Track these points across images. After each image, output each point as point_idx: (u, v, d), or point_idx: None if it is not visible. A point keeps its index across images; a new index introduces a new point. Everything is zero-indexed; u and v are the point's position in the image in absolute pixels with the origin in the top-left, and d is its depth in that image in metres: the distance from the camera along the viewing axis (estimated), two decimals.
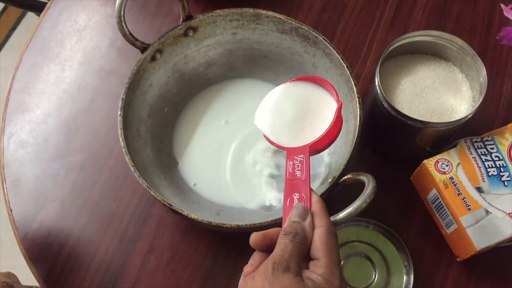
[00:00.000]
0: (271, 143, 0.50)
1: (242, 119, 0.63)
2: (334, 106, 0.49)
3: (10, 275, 0.64)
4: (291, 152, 0.47)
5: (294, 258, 0.40)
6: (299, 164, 0.46)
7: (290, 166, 0.46)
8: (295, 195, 0.44)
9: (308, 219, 0.42)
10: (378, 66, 0.56)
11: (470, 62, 0.58)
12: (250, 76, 0.66)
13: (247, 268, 0.42)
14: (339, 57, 0.57)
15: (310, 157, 0.47)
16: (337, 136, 0.48)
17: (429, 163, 0.57)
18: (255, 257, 0.43)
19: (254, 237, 0.43)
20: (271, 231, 0.43)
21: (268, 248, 0.42)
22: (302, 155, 0.46)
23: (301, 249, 0.41)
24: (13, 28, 1.67)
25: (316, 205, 0.43)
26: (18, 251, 0.61)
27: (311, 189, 0.44)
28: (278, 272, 0.39)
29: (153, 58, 0.59)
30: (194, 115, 0.65)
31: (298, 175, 0.45)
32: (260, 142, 0.62)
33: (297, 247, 0.40)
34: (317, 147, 0.48)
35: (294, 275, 0.39)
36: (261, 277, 0.39)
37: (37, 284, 0.60)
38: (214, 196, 0.61)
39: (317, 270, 0.40)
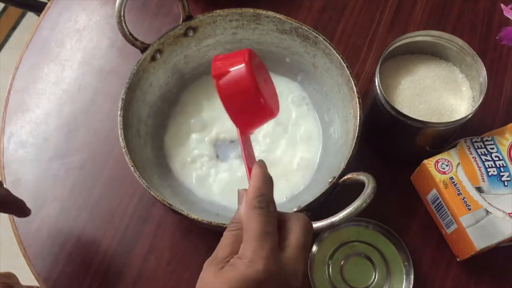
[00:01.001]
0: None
1: None
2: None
3: (10, 275, 0.64)
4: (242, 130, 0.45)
5: (224, 247, 0.39)
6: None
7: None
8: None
9: (242, 204, 0.41)
10: (378, 66, 0.56)
11: (470, 62, 0.58)
12: None
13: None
14: (339, 57, 0.57)
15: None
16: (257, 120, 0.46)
17: (429, 163, 0.57)
18: None
19: None
20: None
21: None
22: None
23: (236, 235, 0.39)
24: (13, 28, 1.67)
25: (250, 187, 0.42)
26: (18, 251, 0.61)
27: (249, 168, 0.42)
28: (206, 266, 0.39)
29: (153, 58, 0.59)
30: (189, 116, 0.65)
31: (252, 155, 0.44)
32: (258, 142, 0.62)
33: (229, 235, 0.40)
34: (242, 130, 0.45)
35: (216, 264, 0.38)
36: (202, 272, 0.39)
37: (37, 284, 0.60)
38: (212, 197, 0.61)
39: (240, 253, 0.38)
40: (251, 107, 0.43)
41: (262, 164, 0.42)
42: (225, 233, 0.40)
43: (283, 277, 0.38)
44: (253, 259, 0.37)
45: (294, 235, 0.40)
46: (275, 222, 0.40)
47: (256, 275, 0.37)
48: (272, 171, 0.61)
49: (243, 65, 0.42)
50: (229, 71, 0.43)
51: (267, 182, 0.41)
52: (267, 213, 0.39)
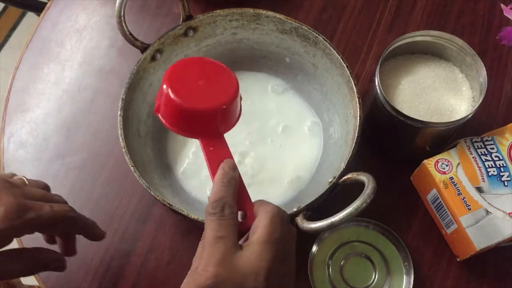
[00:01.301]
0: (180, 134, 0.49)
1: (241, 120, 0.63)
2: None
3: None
4: (205, 142, 0.47)
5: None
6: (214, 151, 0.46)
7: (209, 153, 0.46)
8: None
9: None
10: (378, 66, 0.56)
11: (470, 62, 0.58)
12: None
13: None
14: (339, 57, 0.57)
15: None
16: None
17: (429, 163, 0.57)
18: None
19: None
20: None
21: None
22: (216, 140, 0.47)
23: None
24: (13, 28, 1.67)
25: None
26: None
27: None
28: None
29: (153, 58, 0.59)
30: None
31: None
32: (259, 144, 0.62)
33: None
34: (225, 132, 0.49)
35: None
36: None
37: (37, 283, 0.60)
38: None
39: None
40: (192, 121, 0.46)
41: (225, 165, 0.43)
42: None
43: (238, 278, 0.38)
44: (205, 266, 0.38)
45: (258, 231, 0.40)
46: (232, 224, 0.40)
47: (205, 282, 0.37)
48: (271, 171, 0.61)
49: (163, 88, 0.45)
50: (159, 103, 0.47)
51: (227, 184, 0.41)
52: (220, 217, 0.40)
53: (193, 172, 0.62)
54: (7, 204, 0.41)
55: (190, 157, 0.62)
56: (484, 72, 0.56)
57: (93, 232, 0.51)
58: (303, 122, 0.64)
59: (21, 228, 0.42)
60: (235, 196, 0.41)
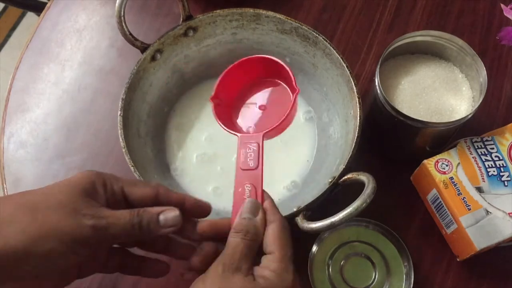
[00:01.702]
0: (223, 128, 0.47)
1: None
2: (289, 92, 0.48)
3: None
4: (244, 139, 0.45)
5: (245, 257, 0.39)
6: (252, 153, 0.44)
7: (243, 154, 0.44)
8: (246, 187, 0.42)
9: (260, 215, 0.41)
10: (378, 66, 0.56)
11: (470, 62, 0.58)
12: None
13: (194, 262, 0.41)
14: (339, 57, 0.57)
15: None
16: (290, 123, 0.47)
17: (429, 163, 0.57)
18: (203, 246, 0.42)
19: (201, 226, 0.42)
20: (219, 221, 0.42)
21: (216, 238, 0.42)
22: (256, 143, 0.44)
23: (253, 247, 0.40)
24: (13, 28, 1.68)
25: (268, 199, 0.43)
26: None
27: (262, 181, 0.43)
28: (229, 274, 0.37)
29: (153, 58, 0.59)
30: (189, 116, 0.65)
31: (250, 165, 0.43)
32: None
33: (249, 246, 0.39)
34: (271, 135, 0.46)
35: (245, 275, 0.38)
36: (211, 280, 0.37)
37: None
38: (212, 197, 0.61)
39: (270, 265, 0.39)
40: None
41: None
42: (241, 241, 0.40)
43: None
44: (284, 274, 0.39)
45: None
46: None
47: None
48: (270, 171, 0.61)
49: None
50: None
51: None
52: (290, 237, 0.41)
53: (193, 172, 0.62)
54: None
55: (190, 157, 0.62)
56: (484, 72, 0.56)
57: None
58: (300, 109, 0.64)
59: None
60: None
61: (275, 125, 0.45)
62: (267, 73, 0.50)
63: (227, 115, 0.49)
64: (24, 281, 0.37)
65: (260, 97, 0.50)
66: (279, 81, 0.50)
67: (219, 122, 0.47)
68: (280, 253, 0.39)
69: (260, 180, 0.43)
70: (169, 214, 0.40)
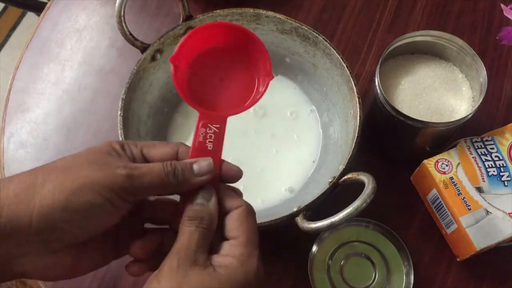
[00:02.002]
0: (185, 100, 0.42)
1: (247, 121, 0.63)
2: (256, 71, 0.43)
3: (34, 283, 0.63)
4: (205, 117, 0.41)
5: (201, 247, 0.36)
6: (213, 134, 0.40)
7: (202, 134, 0.40)
8: None
9: (213, 200, 0.39)
10: (378, 66, 0.56)
11: (470, 62, 0.58)
12: None
13: (133, 249, 0.39)
14: (339, 57, 0.57)
15: None
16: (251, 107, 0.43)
17: (429, 163, 0.57)
18: (145, 234, 0.40)
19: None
20: (164, 199, 0.41)
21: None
22: (218, 125, 0.41)
23: (208, 236, 0.37)
24: (13, 28, 1.68)
25: (228, 188, 0.40)
26: None
27: (221, 164, 0.40)
28: (186, 268, 0.35)
29: (153, 58, 0.59)
30: (189, 116, 0.65)
31: (208, 148, 0.40)
32: (264, 144, 0.62)
33: (204, 234, 0.37)
34: (233, 114, 0.42)
35: (204, 267, 0.36)
36: (167, 278, 0.35)
37: (41, 286, 0.60)
38: None
39: (233, 251, 0.37)
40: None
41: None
42: (195, 230, 0.37)
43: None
44: (248, 260, 0.37)
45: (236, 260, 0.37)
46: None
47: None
48: (270, 171, 0.61)
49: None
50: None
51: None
52: (255, 222, 0.39)
53: None
54: None
55: None
56: (484, 72, 0.56)
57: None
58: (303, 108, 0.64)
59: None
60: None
61: (241, 110, 0.42)
62: (239, 46, 0.44)
63: (186, 83, 0.43)
64: (64, 251, 0.36)
65: (225, 69, 0.44)
66: (249, 57, 0.44)
67: (178, 89, 0.41)
68: (244, 237, 0.37)
69: (217, 166, 0.40)
70: (203, 163, 0.39)
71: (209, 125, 0.41)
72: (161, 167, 0.38)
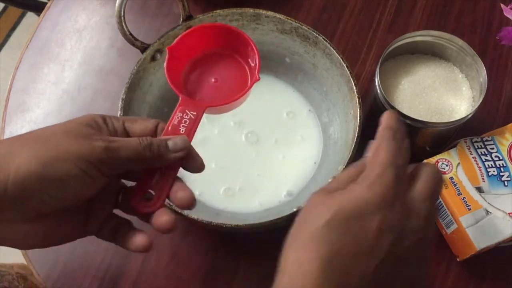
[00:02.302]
0: (170, 85, 0.44)
1: (245, 119, 0.63)
2: (247, 73, 0.46)
3: (24, 266, 0.63)
4: (184, 102, 0.43)
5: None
6: (188, 120, 0.42)
7: (177, 117, 0.42)
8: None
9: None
10: (378, 66, 0.56)
11: (470, 62, 0.58)
12: None
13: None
14: (339, 57, 0.57)
15: None
16: (237, 107, 0.46)
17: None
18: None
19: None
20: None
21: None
22: (195, 113, 0.42)
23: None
24: (13, 28, 1.68)
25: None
26: (18, 251, 0.61)
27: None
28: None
29: (153, 58, 0.59)
30: None
31: (181, 131, 0.42)
32: (261, 142, 0.62)
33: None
34: (214, 112, 0.45)
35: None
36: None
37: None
38: (214, 201, 0.61)
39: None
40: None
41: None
42: (342, 172, 0.38)
43: (403, 213, 0.34)
44: (374, 182, 0.34)
45: (422, 180, 0.36)
46: (405, 161, 0.37)
47: (372, 198, 0.34)
48: (270, 171, 0.61)
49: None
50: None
51: (400, 123, 0.38)
52: (399, 145, 0.37)
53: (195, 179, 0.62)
54: None
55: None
56: (484, 72, 0.56)
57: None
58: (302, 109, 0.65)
59: None
60: None
61: (220, 104, 0.44)
62: (234, 47, 0.47)
63: (178, 73, 0.46)
64: (38, 220, 0.37)
65: (218, 69, 0.48)
66: (242, 59, 0.47)
67: (167, 75, 0.44)
68: (374, 168, 0.35)
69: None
70: (178, 139, 0.40)
71: (186, 111, 0.42)
72: (138, 141, 0.39)
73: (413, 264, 0.35)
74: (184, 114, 0.42)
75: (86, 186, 0.37)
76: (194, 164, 0.42)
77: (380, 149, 0.36)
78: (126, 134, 0.41)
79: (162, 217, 0.39)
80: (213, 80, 0.47)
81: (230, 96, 0.45)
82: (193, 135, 0.42)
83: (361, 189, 0.35)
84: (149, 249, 0.40)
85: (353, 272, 0.33)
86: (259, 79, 0.45)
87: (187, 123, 0.42)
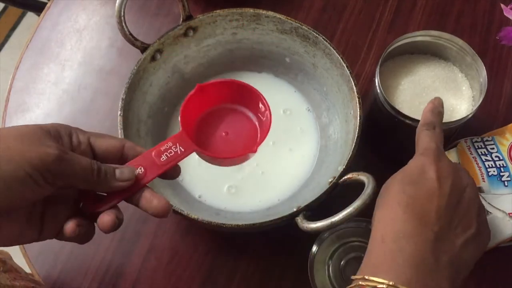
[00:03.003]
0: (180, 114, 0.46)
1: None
2: (257, 133, 0.49)
3: (1, 251, 0.63)
4: (180, 137, 0.44)
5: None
6: (174, 152, 0.43)
7: (166, 146, 0.43)
8: (139, 168, 0.42)
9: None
10: (378, 66, 0.56)
11: (470, 62, 0.58)
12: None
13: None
14: (339, 57, 0.57)
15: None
16: (231, 165, 0.49)
17: None
18: None
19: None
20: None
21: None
22: (184, 150, 0.44)
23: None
24: (13, 28, 1.68)
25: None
26: (18, 251, 0.61)
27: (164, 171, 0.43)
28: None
29: (153, 58, 0.59)
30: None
31: (162, 159, 0.43)
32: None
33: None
34: (204, 158, 0.47)
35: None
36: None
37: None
38: (214, 201, 0.61)
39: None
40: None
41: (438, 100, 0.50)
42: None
43: (450, 166, 0.44)
44: (422, 152, 0.46)
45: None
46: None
47: (424, 158, 0.45)
48: (269, 170, 0.61)
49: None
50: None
51: (437, 115, 0.49)
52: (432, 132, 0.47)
53: (193, 171, 0.62)
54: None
55: (191, 157, 0.62)
56: (484, 72, 0.56)
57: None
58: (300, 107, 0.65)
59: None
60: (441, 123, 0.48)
61: (209, 154, 0.46)
62: (249, 103, 0.49)
63: (192, 114, 0.48)
64: None
65: (233, 126, 0.50)
66: (255, 116, 0.49)
67: (182, 107, 0.46)
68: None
69: (157, 173, 0.43)
70: (126, 170, 0.41)
71: (177, 144, 0.44)
72: (89, 162, 0.39)
73: (471, 213, 0.43)
74: (173, 146, 0.44)
75: (31, 191, 0.37)
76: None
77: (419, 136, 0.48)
78: (91, 148, 0.42)
79: (105, 217, 0.40)
80: (223, 133, 0.49)
81: (228, 152, 0.47)
82: (171, 167, 0.43)
83: (414, 157, 0.47)
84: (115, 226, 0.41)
85: (428, 211, 0.41)
86: (255, 152, 0.47)
87: (171, 154, 0.43)
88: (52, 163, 0.37)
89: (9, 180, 0.35)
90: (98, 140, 0.42)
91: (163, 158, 0.43)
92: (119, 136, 0.54)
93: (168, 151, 0.43)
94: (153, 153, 0.43)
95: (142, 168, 0.42)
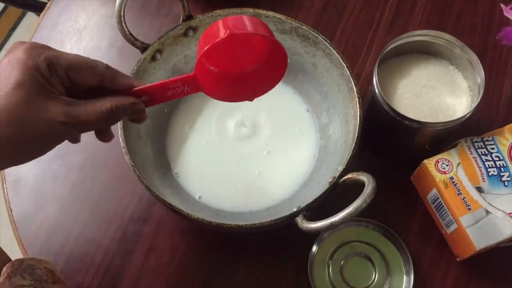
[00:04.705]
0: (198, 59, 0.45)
1: (245, 119, 0.63)
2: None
3: (49, 262, 0.63)
4: (191, 80, 0.45)
5: None
6: (180, 91, 0.46)
7: (176, 84, 0.45)
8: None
9: None
10: (376, 66, 0.56)
11: (468, 61, 0.58)
12: None
13: None
14: (339, 57, 0.57)
15: None
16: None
17: (429, 163, 0.57)
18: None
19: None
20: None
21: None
22: (190, 90, 0.46)
23: None
24: (13, 28, 1.67)
25: None
26: (18, 251, 0.61)
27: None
28: None
29: (153, 58, 0.59)
30: (189, 116, 0.65)
31: (168, 93, 0.45)
32: (262, 145, 0.63)
33: None
34: (210, 95, 0.48)
35: None
36: None
37: None
38: (214, 201, 0.61)
39: None
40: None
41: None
42: None
43: None
44: None
45: None
46: None
47: None
48: (269, 170, 0.61)
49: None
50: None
51: None
52: None
53: (194, 171, 0.62)
54: None
55: (191, 156, 0.62)
56: (482, 72, 0.56)
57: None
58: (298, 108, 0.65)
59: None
60: None
61: (217, 96, 0.48)
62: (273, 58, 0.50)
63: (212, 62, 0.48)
64: None
65: (249, 75, 0.50)
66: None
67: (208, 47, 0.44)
68: None
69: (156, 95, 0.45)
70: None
71: (186, 85, 0.45)
72: (101, 111, 0.42)
73: None
74: (182, 86, 0.45)
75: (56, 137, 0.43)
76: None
77: None
78: (69, 82, 0.42)
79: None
80: (237, 78, 0.49)
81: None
82: (170, 99, 0.46)
83: None
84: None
85: None
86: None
87: (178, 91, 0.46)
88: (60, 124, 0.41)
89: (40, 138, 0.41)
90: (78, 75, 0.42)
91: (169, 93, 0.45)
92: (119, 136, 0.54)
93: (175, 88, 0.45)
94: (163, 82, 0.45)
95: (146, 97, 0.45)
